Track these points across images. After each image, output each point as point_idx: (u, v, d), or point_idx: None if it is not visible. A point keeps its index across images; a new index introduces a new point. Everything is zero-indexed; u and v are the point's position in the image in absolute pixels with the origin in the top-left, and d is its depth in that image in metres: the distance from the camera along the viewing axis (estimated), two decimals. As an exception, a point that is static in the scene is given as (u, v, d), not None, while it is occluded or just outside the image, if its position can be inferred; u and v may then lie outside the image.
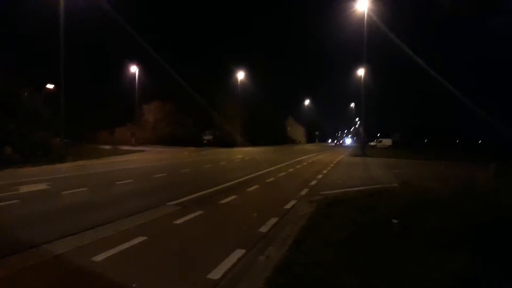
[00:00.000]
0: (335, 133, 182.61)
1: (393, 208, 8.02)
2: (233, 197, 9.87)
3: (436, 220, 6.85)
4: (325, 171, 17.67)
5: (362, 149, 37.33)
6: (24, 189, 10.68)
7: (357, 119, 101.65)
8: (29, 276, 4.39)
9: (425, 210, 7.91)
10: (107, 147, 36.62)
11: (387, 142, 76.20)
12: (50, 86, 39.66)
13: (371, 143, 74.67)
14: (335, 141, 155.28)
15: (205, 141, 59.90)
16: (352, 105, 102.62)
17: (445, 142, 74.78)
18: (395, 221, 6.76)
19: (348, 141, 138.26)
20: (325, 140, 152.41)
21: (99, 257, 4.91)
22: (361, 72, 39.60)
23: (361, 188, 11.70)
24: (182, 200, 9.24)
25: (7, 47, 41.41)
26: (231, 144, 55.49)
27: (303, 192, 10.98)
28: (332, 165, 22.15)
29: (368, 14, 31.92)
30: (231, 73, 60.87)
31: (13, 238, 5.96)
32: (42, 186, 11.24)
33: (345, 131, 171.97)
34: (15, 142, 19.92)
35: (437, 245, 5.33)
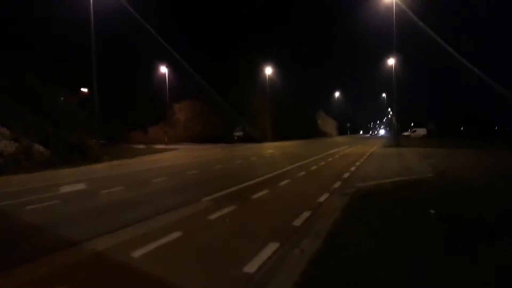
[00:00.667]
0: (367, 124, 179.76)
1: (429, 199, 7.85)
2: (265, 191, 9.89)
3: (474, 210, 6.66)
4: (358, 163, 17.43)
5: (395, 139, 36.57)
6: (64, 189, 11.07)
7: (389, 109, 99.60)
8: (71, 272, 4.56)
9: (462, 200, 7.69)
10: (141, 146, 37.52)
11: (421, 131, 74.37)
12: (84, 89, 40.97)
13: (405, 133, 73.03)
14: (370, 132, 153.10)
15: (235, 138, 60.31)
16: (384, 95, 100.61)
17: (481, 131, 72.23)
18: (432, 211, 6.61)
19: (381, 131, 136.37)
20: (357, 132, 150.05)
21: (137, 254, 5.04)
22: (391, 61, 38.73)
23: (396, 179, 11.47)
24: (215, 196, 9.34)
25: (42, 53, 42.88)
26: (261, 139, 55.54)
27: (336, 185, 10.88)
28: (365, 157, 21.81)
29: (396, 2, 31.14)
30: (259, 69, 60.81)
31: (55, 236, 6.20)
32: (80, 186, 11.63)
33: (378, 122, 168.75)
34: (53, 144, 20.66)
35: (475, 236, 5.17)
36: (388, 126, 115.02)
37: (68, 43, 44.17)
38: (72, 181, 12.97)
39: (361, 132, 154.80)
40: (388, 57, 41.70)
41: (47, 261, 4.89)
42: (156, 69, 52.17)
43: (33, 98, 22.93)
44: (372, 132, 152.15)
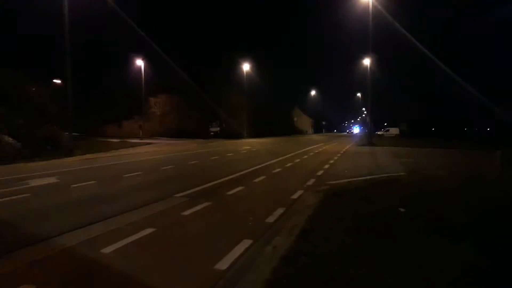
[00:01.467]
0: (342, 123, 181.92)
1: (400, 197, 8.01)
2: (240, 188, 9.91)
3: (443, 209, 6.83)
4: (331, 161, 17.65)
5: (369, 138, 37.18)
6: (34, 183, 10.81)
7: (363, 109, 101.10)
8: (39, 269, 4.46)
9: (432, 199, 7.88)
10: (115, 140, 36.91)
11: (394, 131, 75.81)
12: (57, 81, 39.97)
13: (378, 132, 74.34)
14: (348, 131, 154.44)
15: (212, 133, 60.09)
16: (359, 94, 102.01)
17: (452, 131, 74.18)
18: (402, 210, 6.76)
19: (356, 130, 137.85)
20: (332, 130, 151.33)
21: (108, 249, 4.97)
22: (367, 61, 39.31)
23: (368, 177, 11.68)
24: (189, 191, 9.30)
25: (14, 45, 41.60)
26: (238, 135, 55.57)
27: (310, 182, 10.99)
28: (339, 155, 22.10)
29: (373, 3, 31.58)
30: (237, 66, 60.74)
31: (24, 231, 6.05)
32: (51, 180, 11.37)
33: (352, 121, 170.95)
34: (23, 137, 20.12)
35: (443, 235, 5.31)
36: (362, 125, 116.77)
37: (42, 34, 43.07)
38: (42, 174, 12.67)
39: (335, 131, 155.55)
40: (364, 57, 42.28)
41: (13, 257, 4.77)
42: (132, 62, 51.39)
43: (3, 90, 22.21)
44: (349, 130, 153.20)
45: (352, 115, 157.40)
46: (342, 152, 24.67)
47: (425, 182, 10.22)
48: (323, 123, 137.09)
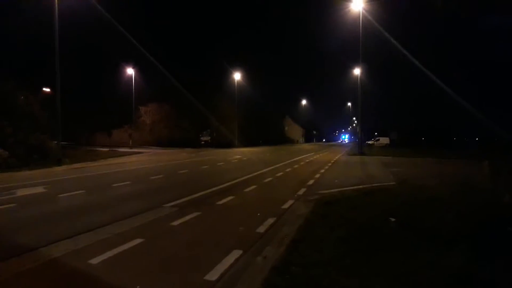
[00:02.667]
0: (333, 132, 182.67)
1: (390, 207, 8.04)
2: (230, 197, 9.85)
3: (433, 218, 6.86)
4: (322, 171, 17.67)
5: (359, 147, 37.35)
6: (21, 192, 10.64)
7: (354, 118, 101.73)
8: (25, 280, 4.37)
9: (422, 208, 7.92)
10: (105, 149, 36.60)
11: (384, 140, 76.24)
12: (46, 89, 39.67)
13: (369, 142, 74.74)
14: (340, 140, 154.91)
15: (202, 142, 59.95)
16: (349, 104, 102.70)
17: (442, 140, 74.90)
18: (392, 219, 6.77)
19: (346, 139, 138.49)
20: (321, 139, 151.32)
21: (96, 260, 4.89)
22: (357, 71, 39.63)
23: (359, 187, 11.71)
24: (179, 201, 9.22)
25: (3, 53, 41.25)
26: (229, 144, 55.48)
27: (301, 192, 10.97)
28: (329, 164, 22.15)
29: (363, 14, 31.95)
30: (227, 75, 60.88)
31: (10, 242, 5.94)
32: (39, 190, 11.21)
33: (343, 130, 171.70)
34: (11, 146, 19.86)
35: (434, 244, 5.33)
36: (352, 134, 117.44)
37: (32, 42, 42.81)
38: (30, 184, 12.49)
39: (323, 140, 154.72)
40: (355, 67, 42.63)
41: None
42: (123, 70, 51.20)
43: None
44: (342, 140, 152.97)
45: (343, 124, 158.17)
46: (332, 161, 24.73)
47: (415, 191, 10.28)
48: (314, 132, 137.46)
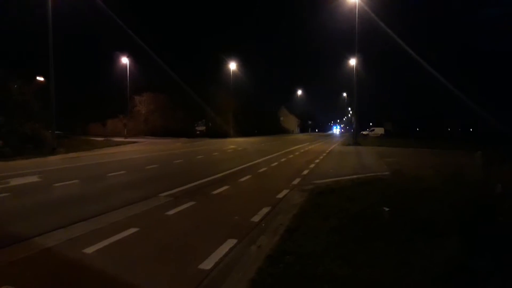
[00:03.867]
0: (328, 122, 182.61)
1: (384, 197, 8.06)
2: (225, 187, 9.86)
3: (427, 208, 6.89)
4: (317, 161, 17.71)
5: (354, 138, 37.46)
6: (15, 182, 10.60)
7: (349, 109, 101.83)
8: (19, 269, 4.36)
9: (415, 198, 7.95)
10: (99, 138, 36.47)
11: (379, 131, 76.55)
12: (40, 78, 39.29)
13: (363, 132, 74.93)
14: (331, 131, 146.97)
15: (198, 132, 59.85)
16: (344, 94, 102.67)
17: (436, 131, 75.21)
18: (386, 209, 6.80)
19: (336, 130, 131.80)
20: (313, 130, 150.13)
21: (90, 249, 4.89)
22: (353, 61, 39.58)
23: (353, 176, 11.74)
24: (174, 191, 9.22)
25: (-4, 40, 40.77)
26: (224, 135, 55.41)
27: (295, 182, 11.01)
28: (324, 154, 22.20)
29: (359, 3, 31.80)
30: (223, 65, 60.59)
31: (3, 231, 5.91)
32: (33, 179, 11.16)
33: (338, 121, 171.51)
34: (5, 135, 19.74)
35: (427, 234, 5.36)
36: (346, 125, 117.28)
37: (25, 31, 42.27)
38: (24, 173, 12.43)
39: (316, 130, 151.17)
40: (350, 58, 42.57)
41: (-8, 258, 4.66)
42: (118, 60, 50.79)
43: None
44: (333, 132, 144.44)
45: (339, 115, 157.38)
46: (327, 151, 24.79)
47: (409, 181, 10.32)
48: (310, 122, 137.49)
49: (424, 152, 25.00)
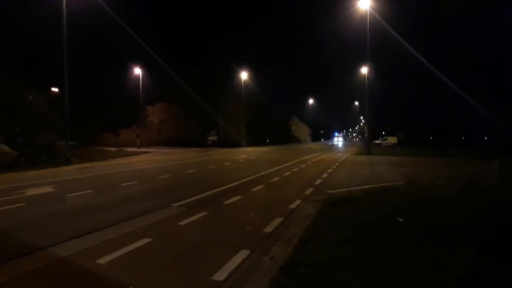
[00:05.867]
0: (340, 132, 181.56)
1: (398, 207, 7.98)
2: (237, 197, 9.85)
3: (442, 218, 6.80)
4: (330, 170, 17.61)
5: (366, 147, 37.19)
6: (30, 192, 10.72)
7: (361, 118, 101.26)
8: (33, 279, 4.39)
9: (431, 208, 7.85)
10: (112, 149, 36.81)
11: (392, 140, 75.88)
12: (54, 89, 39.96)
13: (376, 141, 74.37)
14: (334, 141, 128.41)
15: (209, 142, 60.07)
16: (356, 103, 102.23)
17: (449, 140, 74.37)
18: (400, 219, 6.72)
19: (339, 140, 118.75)
20: (329, 139, 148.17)
21: (104, 260, 4.91)
22: (365, 70, 39.46)
23: (366, 186, 11.64)
24: (186, 201, 9.24)
25: (12, 51, 41.65)
26: (236, 144, 55.52)
27: (308, 192, 10.94)
28: (337, 163, 22.06)
29: (370, 12, 31.78)
30: (235, 75, 60.92)
31: (19, 241, 5.98)
32: (47, 189, 11.28)
33: (350, 130, 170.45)
34: (20, 145, 20.03)
35: (442, 244, 5.28)
36: (360, 133, 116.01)
37: (40, 42, 43.13)
38: (38, 183, 12.58)
39: (322, 140, 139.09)
40: (362, 66, 42.46)
41: (8, 268, 4.70)
42: (130, 70, 51.44)
43: (0, 98, 22.18)
44: (336, 142, 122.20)
45: (350, 123, 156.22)
46: (340, 161, 24.64)
47: (423, 191, 10.21)
48: (321, 131, 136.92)
49: (438, 161, 24.70)
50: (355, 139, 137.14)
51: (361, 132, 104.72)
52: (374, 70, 40.77)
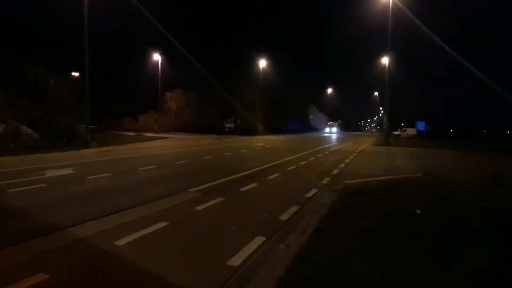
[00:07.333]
0: (359, 121, 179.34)
1: (416, 199, 7.87)
2: (253, 184, 9.86)
3: (460, 213, 6.67)
4: (347, 160, 17.46)
5: (385, 138, 36.75)
6: (51, 173, 10.93)
7: (380, 108, 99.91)
8: (53, 258, 4.48)
9: (449, 202, 7.72)
10: (131, 133, 37.19)
11: (411, 131, 74.71)
12: (75, 74, 40.47)
13: (395, 132, 73.36)
14: (327, 130, 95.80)
15: (226, 129, 60.11)
16: (376, 93, 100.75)
17: (470, 133, 72.86)
18: (418, 211, 6.64)
19: (333, 129, 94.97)
20: (347, 129, 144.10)
21: (121, 241, 4.98)
22: (385, 60, 38.77)
23: (384, 177, 11.52)
24: (203, 186, 9.29)
25: (33, 35, 42.24)
26: (253, 132, 55.48)
27: (325, 181, 10.88)
28: (354, 154, 21.87)
29: (393, 1, 31.05)
30: (253, 62, 60.61)
31: (39, 220, 6.11)
32: (67, 171, 11.49)
33: (369, 120, 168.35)
34: (41, 128, 20.42)
35: (460, 240, 5.18)
36: (378, 124, 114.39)
37: (61, 26, 43.61)
38: (59, 165, 12.81)
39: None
40: (382, 56, 41.71)
41: (29, 246, 4.81)
42: (150, 56, 51.71)
43: (23, 81, 22.64)
44: (330, 130, 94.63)
45: (369, 113, 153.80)
46: (357, 151, 24.42)
47: (442, 184, 10.05)
48: (339, 121, 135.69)
49: (459, 155, 24.27)
50: (373, 130, 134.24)
51: (379, 123, 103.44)
52: (396, 60, 40.00)
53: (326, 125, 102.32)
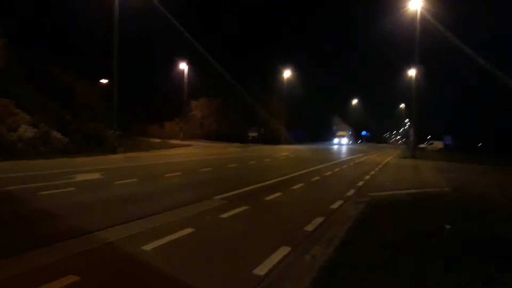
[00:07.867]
0: (384, 133, 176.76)
1: (444, 214, 7.71)
2: (278, 194, 9.84)
3: (491, 229, 6.50)
4: (372, 172, 17.23)
5: (411, 150, 36.09)
6: (79, 177, 11.20)
7: (406, 120, 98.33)
8: (83, 260, 4.59)
9: (479, 218, 7.52)
10: (156, 140, 37.79)
11: (438, 144, 73.25)
12: (104, 81, 41.49)
13: (421, 145, 71.98)
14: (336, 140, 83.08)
15: (250, 138, 60.28)
16: (402, 105, 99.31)
17: (499, 147, 70.72)
18: (447, 226, 6.49)
19: (344, 140, 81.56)
20: (371, 140, 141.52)
21: (148, 247, 5.04)
22: (412, 72, 38.20)
23: (411, 191, 11.31)
24: (228, 194, 9.33)
25: (65, 43, 43.57)
26: (276, 141, 55.49)
27: (350, 193, 10.76)
28: (380, 166, 21.55)
29: (421, 12, 30.62)
30: (277, 72, 60.80)
31: (69, 223, 6.26)
32: (95, 176, 11.75)
33: (394, 132, 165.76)
34: (71, 133, 21.00)
35: (490, 257, 5.03)
36: (404, 136, 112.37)
37: (91, 34, 44.83)
38: (88, 169, 13.12)
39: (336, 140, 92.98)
40: (410, 68, 41.11)
41: (60, 248, 4.94)
42: (175, 65, 52.59)
43: (55, 87, 23.40)
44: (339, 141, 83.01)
45: (395, 125, 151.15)
46: (383, 163, 24.06)
47: (471, 199, 9.81)
48: (364, 133, 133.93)
49: (487, 169, 23.60)
50: (399, 142, 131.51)
51: (405, 135, 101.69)
52: (424, 72, 39.34)
53: (335, 135, 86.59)
